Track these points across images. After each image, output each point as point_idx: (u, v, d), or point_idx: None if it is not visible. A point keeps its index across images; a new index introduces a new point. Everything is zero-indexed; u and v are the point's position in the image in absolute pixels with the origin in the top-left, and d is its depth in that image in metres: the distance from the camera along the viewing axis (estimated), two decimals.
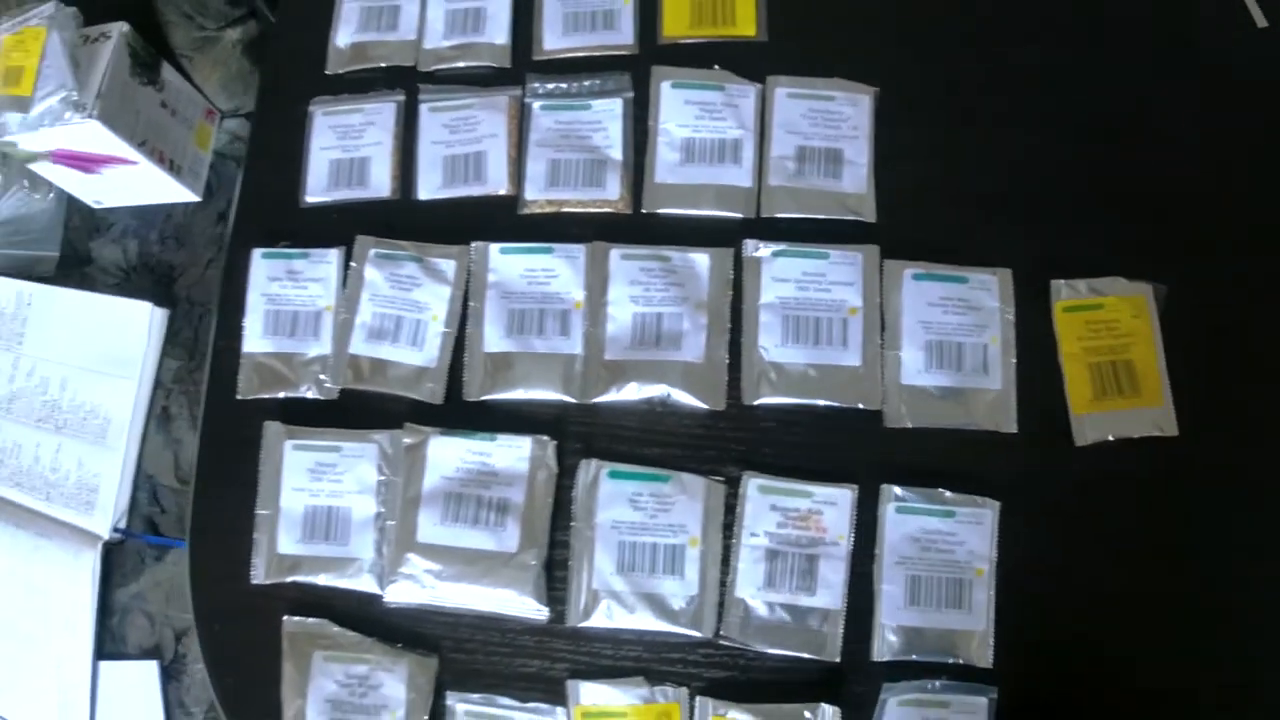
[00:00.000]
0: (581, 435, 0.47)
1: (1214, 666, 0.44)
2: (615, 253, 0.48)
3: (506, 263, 0.49)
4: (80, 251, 0.75)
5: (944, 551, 0.45)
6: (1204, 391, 0.46)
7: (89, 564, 0.63)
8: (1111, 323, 0.48)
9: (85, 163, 0.68)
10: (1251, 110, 0.51)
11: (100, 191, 0.73)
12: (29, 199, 0.77)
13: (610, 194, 0.49)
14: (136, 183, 0.70)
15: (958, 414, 0.46)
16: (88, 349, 0.69)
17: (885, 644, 0.45)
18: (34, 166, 0.68)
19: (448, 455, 0.47)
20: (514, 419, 0.48)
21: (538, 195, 0.50)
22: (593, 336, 0.48)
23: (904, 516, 0.46)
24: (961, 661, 0.44)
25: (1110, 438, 0.46)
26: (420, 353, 0.49)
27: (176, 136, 0.70)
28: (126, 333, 0.68)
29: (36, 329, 0.70)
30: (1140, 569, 0.45)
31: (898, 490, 0.46)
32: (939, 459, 0.46)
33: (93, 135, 0.62)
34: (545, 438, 0.47)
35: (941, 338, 0.47)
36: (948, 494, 0.45)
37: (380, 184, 0.52)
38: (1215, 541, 0.45)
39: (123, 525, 0.66)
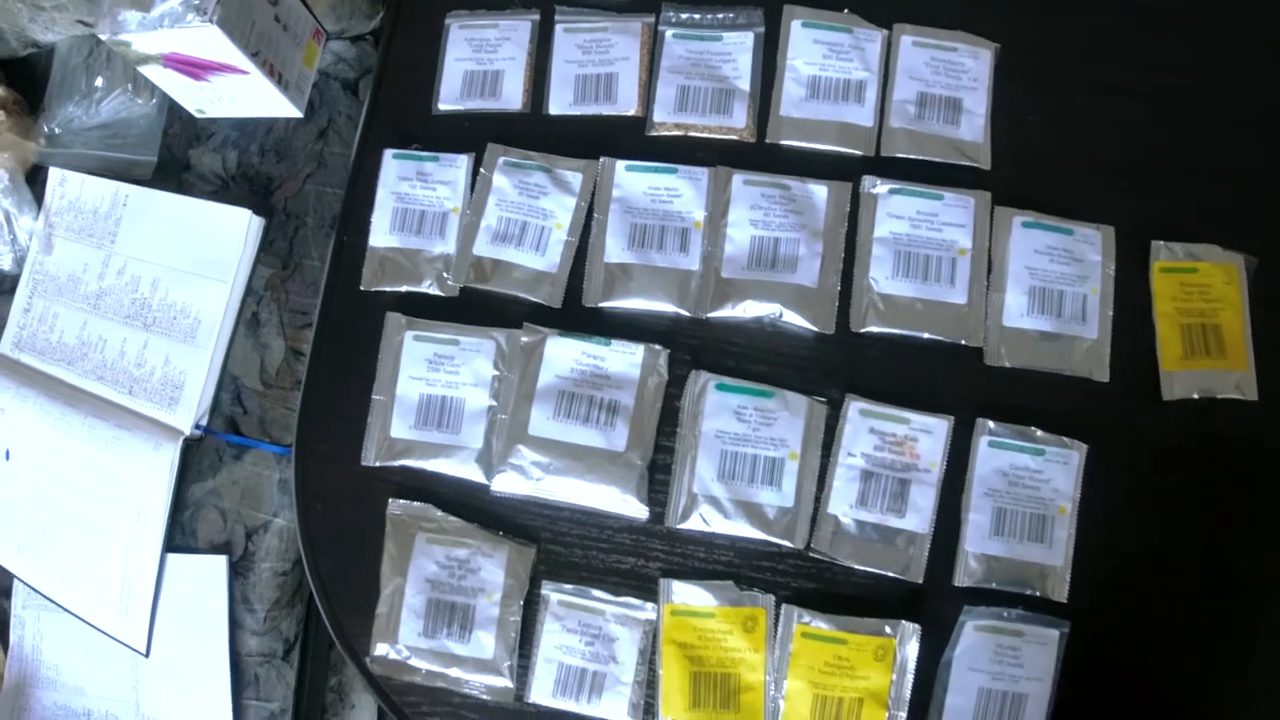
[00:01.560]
0: (691, 347, 0.50)
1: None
2: (738, 178, 0.50)
3: (632, 179, 0.51)
4: (178, 158, 0.77)
5: (1030, 488, 0.47)
6: None
7: (168, 457, 0.64)
8: (1204, 287, 0.49)
9: (196, 69, 0.69)
10: None
11: (205, 100, 0.74)
12: (131, 103, 0.78)
13: (736, 122, 0.51)
14: (243, 93, 0.71)
15: (1054, 358, 0.48)
16: (182, 251, 0.70)
17: (967, 569, 0.47)
18: (143, 69, 0.69)
19: (563, 356, 0.49)
20: (628, 327, 0.50)
21: (666, 118, 0.52)
22: (711, 255, 0.50)
23: (995, 451, 0.47)
24: (1038, 594, 0.46)
25: (1195, 395, 0.48)
26: (542, 258, 0.51)
27: (286, 51, 0.71)
28: (222, 237, 0.69)
29: (130, 229, 0.72)
30: (1212, 527, 0.47)
31: (991, 425, 0.47)
32: (1032, 399, 0.48)
33: (210, 40, 0.62)
34: (658, 346, 0.49)
35: (1045, 284, 0.49)
36: (1039, 433, 0.47)
37: (512, 97, 0.54)
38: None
39: (204, 423, 0.67)
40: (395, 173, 0.53)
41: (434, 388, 0.50)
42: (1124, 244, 0.50)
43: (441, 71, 0.55)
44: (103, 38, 0.63)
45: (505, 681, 0.47)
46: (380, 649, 0.49)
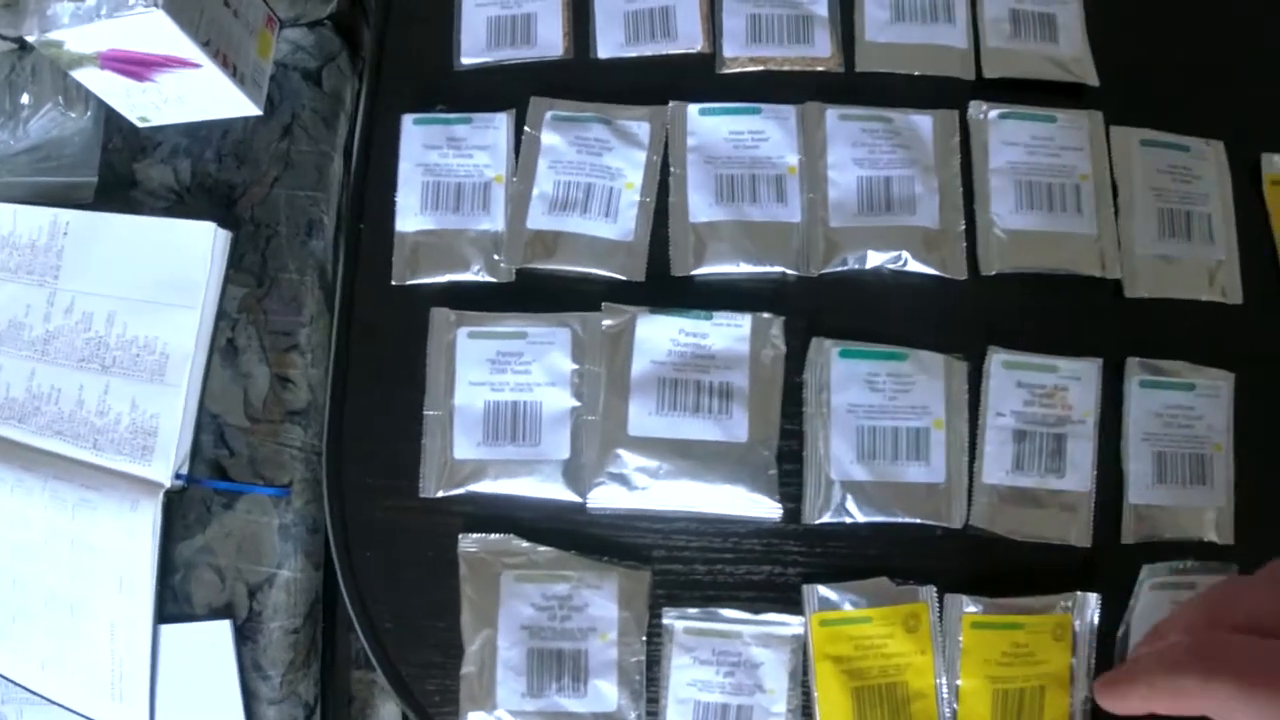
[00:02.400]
0: (806, 311, 0.43)
1: None
2: (832, 113, 0.44)
3: (708, 125, 0.44)
4: (122, 175, 0.67)
5: (1185, 426, 0.43)
6: None
7: (148, 515, 0.56)
8: None
9: (139, 67, 0.60)
10: None
11: (149, 106, 0.64)
12: (63, 119, 0.68)
13: (820, 51, 0.45)
14: (193, 92, 0.62)
15: (1189, 284, 0.44)
16: (139, 278, 0.61)
17: (1134, 525, 0.42)
18: (78, 74, 0.59)
19: (657, 337, 0.41)
20: (729, 295, 0.43)
21: (738, 52, 0.45)
22: (813, 203, 0.43)
23: (1147, 391, 0.43)
24: (1204, 539, 0.43)
25: None
26: (614, 224, 0.43)
27: (239, 41, 0.62)
28: (185, 257, 0.60)
29: (75, 260, 0.63)
30: None
31: (1140, 363, 0.43)
32: (1173, 331, 0.44)
33: (155, 29, 0.54)
34: (768, 315, 0.42)
35: (1171, 206, 0.45)
36: (1186, 367, 0.44)
37: (550, 42, 0.46)
38: None
39: (185, 471, 0.58)
40: (419, 141, 0.44)
41: (501, 393, 0.42)
42: (1234, 158, 0.47)
43: (460, 20, 0.46)
44: (29, 39, 0.54)
45: None
46: (474, 718, 0.40)
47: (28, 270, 0.63)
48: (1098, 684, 0.27)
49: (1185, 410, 0.43)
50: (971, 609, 0.41)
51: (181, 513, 0.58)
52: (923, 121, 0.44)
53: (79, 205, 0.65)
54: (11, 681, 0.60)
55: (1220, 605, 0.26)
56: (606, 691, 0.40)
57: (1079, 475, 0.42)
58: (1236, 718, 0.22)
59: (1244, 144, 0.47)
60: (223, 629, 0.58)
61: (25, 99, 0.68)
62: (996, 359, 0.42)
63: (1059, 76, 0.46)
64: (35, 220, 0.64)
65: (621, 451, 0.41)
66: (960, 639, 0.40)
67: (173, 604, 0.58)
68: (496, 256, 0.43)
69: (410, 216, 0.44)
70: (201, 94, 0.61)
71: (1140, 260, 0.44)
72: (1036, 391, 0.42)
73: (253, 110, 0.64)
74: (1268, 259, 0.46)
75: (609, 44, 0.46)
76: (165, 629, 0.57)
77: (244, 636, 0.58)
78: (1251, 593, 0.26)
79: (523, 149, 0.44)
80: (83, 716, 0.58)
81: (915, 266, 0.43)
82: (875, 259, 0.43)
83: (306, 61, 0.68)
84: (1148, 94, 0.47)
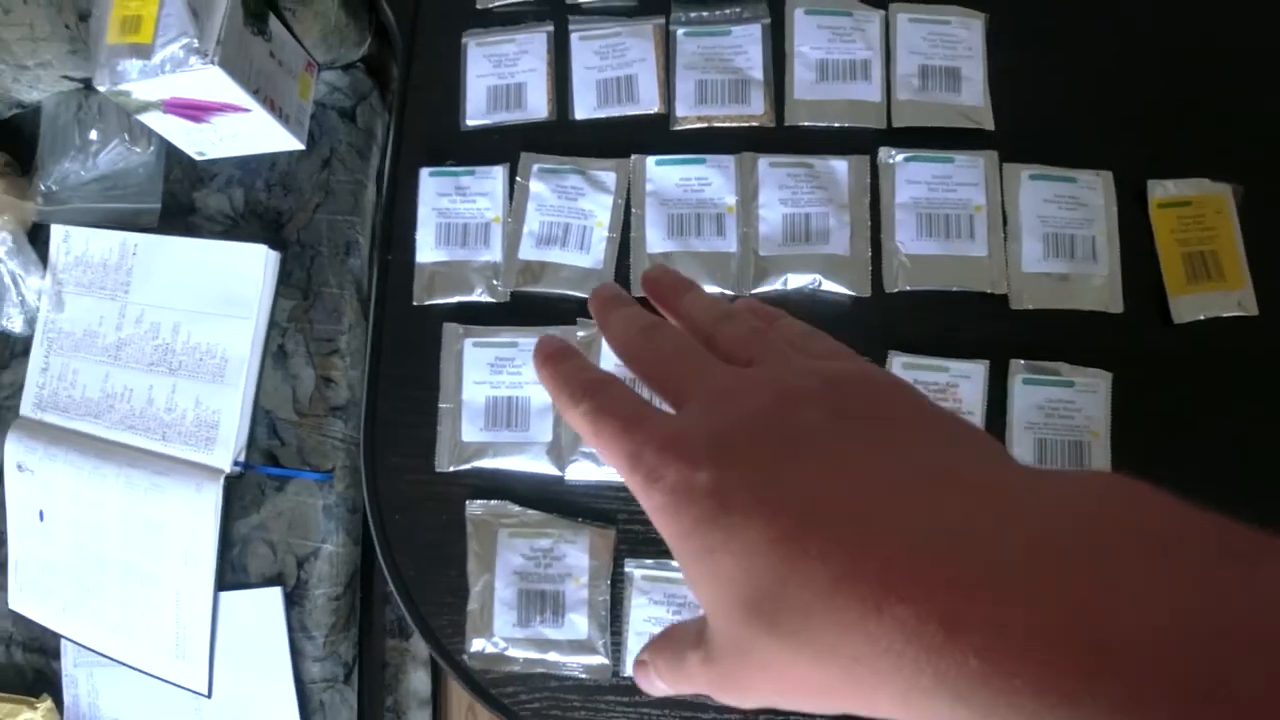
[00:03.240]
0: None
1: None
2: (763, 161, 0.53)
3: (663, 173, 0.54)
4: (183, 202, 0.77)
5: (1065, 417, 0.51)
6: (1276, 277, 0.52)
7: (211, 497, 0.65)
8: (1198, 217, 0.54)
9: (197, 111, 0.70)
10: None
11: (205, 142, 0.75)
12: (128, 153, 0.78)
13: (755, 110, 0.54)
14: (245, 132, 0.72)
15: (1072, 297, 0.52)
16: (200, 293, 0.70)
17: None
18: (144, 117, 0.69)
19: None
20: None
21: (688, 112, 0.55)
22: (747, 235, 0.53)
23: (1029, 388, 0.51)
24: None
25: (1202, 316, 0.52)
26: (587, 255, 0.53)
27: (283, 86, 0.72)
28: (240, 275, 0.70)
29: (143, 277, 0.72)
30: (1235, 434, 0.51)
31: (1023, 364, 0.51)
32: (1057, 337, 0.52)
33: (212, 82, 0.63)
34: None
35: (1056, 230, 0.52)
36: (1066, 367, 0.51)
37: (537, 107, 0.56)
38: None
39: (243, 459, 0.68)
40: (434, 189, 0.55)
41: (499, 389, 0.52)
42: (1122, 186, 0.54)
43: (465, 89, 0.57)
44: (101, 89, 0.63)
45: (602, 659, 0.50)
46: (476, 644, 0.51)
47: (101, 286, 0.73)
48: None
49: (1066, 404, 0.51)
50: None
51: (239, 495, 0.68)
52: (839, 166, 0.53)
53: (145, 229, 0.74)
54: (84, 647, 0.68)
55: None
56: (579, 623, 0.50)
57: None
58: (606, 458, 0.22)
59: (1134, 174, 0.54)
60: (274, 595, 0.66)
61: (93, 135, 0.77)
62: (896, 361, 0.51)
63: (960, 123, 0.54)
64: (107, 242, 0.73)
65: None
66: None
67: (231, 574, 0.67)
68: (495, 282, 0.54)
69: (427, 250, 0.55)
70: (251, 132, 0.71)
71: (1026, 277, 0.52)
72: (930, 388, 0.51)
73: (296, 145, 0.74)
74: (1151, 274, 0.53)
75: (584, 107, 0.56)
76: (224, 595, 0.66)
77: (292, 602, 0.67)
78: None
79: (515, 195, 0.55)
80: (149, 674, 0.66)
81: (829, 286, 0.52)
82: (796, 281, 0.52)
83: (342, 101, 0.78)
84: (1042, 135, 0.54)
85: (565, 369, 0.23)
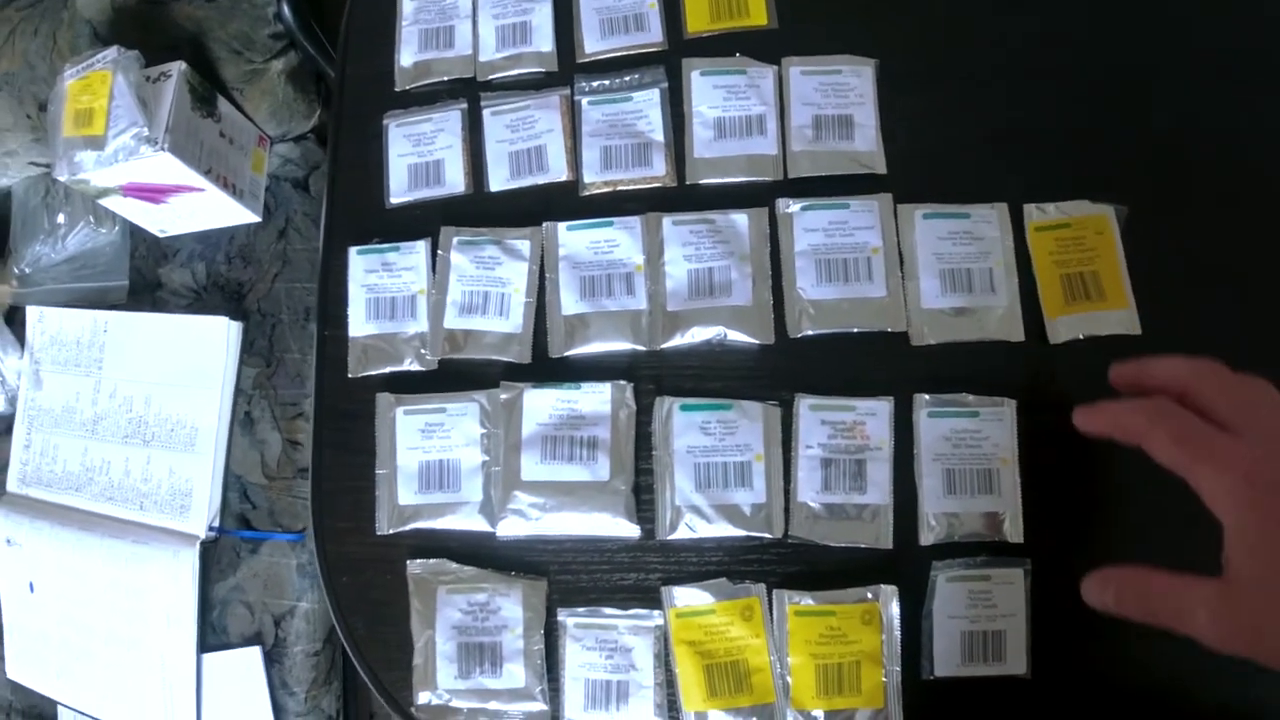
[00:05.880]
0: (653, 377, 0.55)
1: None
2: (667, 220, 0.56)
3: (574, 238, 0.56)
4: (149, 278, 0.81)
5: (972, 446, 0.53)
6: (1163, 297, 0.53)
7: (189, 561, 0.68)
8: (1078, 239, 0.55)
9: (154, 193, 0.74)
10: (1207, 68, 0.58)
11: (165, 220, 0.79)
12: (95, 234, 0.82)
13: (657, 171, 0.57)
14: (202, 209, 0.76)
15: (972, 329, 0.54)
16: (169, 366, 0.74)
17: (930, 529, 0.52)
18: (104, 201, 0.73)
19: (540, 405, 0.54)
20: (593, 369, 0.55)
21: (595, 178, 0.57)
22: (655, 293, 0.55)
23: (935, 420, 0.53)
24: (997, 539, 0.51)
25: (1080, 336, 0.53)
26: (507, 321, 0.56)
27: (235, 162, 0.76)
28: (205, 347, 0.73)
29: (115, 353, 0.76)
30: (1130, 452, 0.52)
31: (927, 398, 0.53)
32: (960, 368, 0.54)
33: (164, 166, 0.67)
34: (623, 382, 0.54)
35: (953, 266, 0.54)
36: (970, 397, 0.53)
37: (455, 181, 0.59)
38: None
39: (217, 524, 0.71)
40: (362, 267, 0.59)
41: (430, 454, 0.55)
42: (1017, 216, 0.56)
43: (387, 168, 0.60)
44: (61, 179, 0.67)
45: (540, 705, 0.52)
46: (423, 697, 0.53)
47: (76, 363, 0.77)
48: (1076, 410, 0.38)
49: (972, 433, 0.53)
50: (794, 600, 0.52)
51: (215, 558, 0.71)
52: (740, 219, 0.55)
53: (114, 306, 0.78)
54: (79, 712, 0.71)
55: (1196, 375, 0.36)
56: (516, 673, 0.53)
57: (879, 491, 0.52)
58: (1158, 456, 0.34)
59: (1020, 203, 0.55)
60: (254, 654, 0.69)
61: (61, 218, 0.81)
62: (804, 403, 0.53)
63: (853, 169, 0.56)
64: (79, 321, 0.77)
65: (518, 493, 0.54)
66: (786, 625, 0.51)
67: (212, 635, 0.70)
68: (423, 351, 0.57)
69: (359, 324, 0.58)
70: (208, 209, 0.75)
71: (925, 314, 0.54)
72: (838, 427, 0.53)
73: (252, 218, 0.78)
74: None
75: (498, 179, 0.59)
76: (206, 657, 0.68)
77: (272, 660, 0.70)
78: (1208, 381, 0.35)
79: (438, 268, 0.58)
80: None
81: (734, 336, 0.54)
82: (702, 334, 0.54)
83: (295, 171, 0.82)
84: (935, 173, 0.56)
85: (1122, 403, 0.36)
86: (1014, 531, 0.52)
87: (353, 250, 0.59)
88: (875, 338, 0.54)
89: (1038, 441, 0.53)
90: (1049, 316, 0.54)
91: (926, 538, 0.52)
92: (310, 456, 0.58)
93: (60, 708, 0.75)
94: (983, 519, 0.52)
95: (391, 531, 0.55)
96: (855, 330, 0.54)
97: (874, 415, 0.53)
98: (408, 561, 0.55)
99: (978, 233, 0.55)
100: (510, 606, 0.53)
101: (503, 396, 0.55)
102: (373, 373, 0.58)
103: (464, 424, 0.55)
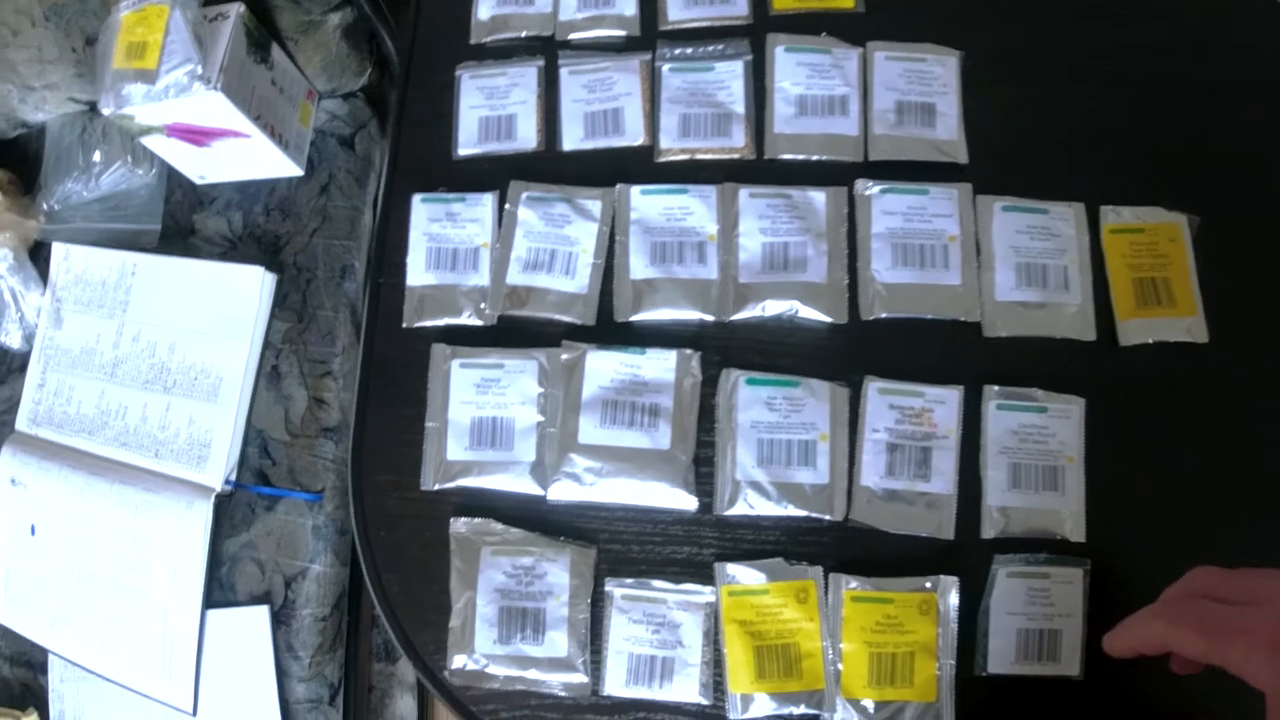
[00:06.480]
0: (720, 348, 0.54)
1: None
2: (744, 192, 0.55)
3: (647, 202, 0.55)
4: (183, 224, 0.79)
5: (1039, 442, 0.52)
6: (1230, 308, 0.53)
7: (201, 514, 0.66)
8: (1151, 244, 0.55)
9: (199, 136, 0.72)
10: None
11: (206, 166, 0.77)
12: (131, 175, 0.80)
13: (736, 142, 0.56)
14: (245, 156, 0.74)
15: (1045, 324, 0.53)
16: (197, 313, 0.72)
17: (992, 522, 0.51)
18: (147, 140, 0.71)
19: (603, 368, 0.53)
20: (659, 336, 0.54)
21: (672, 144, 0.57)
22: (727, 263, 0.54)
23: (1003, 413, 0.52)
24: (1059, 537, 0.51)
25: (1150, 340, 0.53)
26: (572, 280, 0.55)
27: (284, 113, 0.74)
28: (237, 296, 0.71)
29: (141, 296, 0.73)
30: (1197, 454, 0.52)
31: (996, 389, 0.52)
32: (1029, 363, 0.53)
33: (214, 107, 0.66)
34: (689, 350, 0.53)
35: (1029, 260, 0.54)
36: (1039, 393, 0.53)
37: (527, 137, 0.58)
38: (1244, 429, 0.52)
39: (234, 478, 0.69)
40: (426, 215, 0.57)
41: (484, 410, 0.54)
42: (1094, 217, 0.55)
43: (458, 119, 0.59)
44: (105, 112, 0.65)
45: (581, 677, 0.50)
46: (458, 661, 0.51)
47: (99, 304, 0.74)
48: (1104, 639, 0.37)
49: (1039, 429, 0.52)
50: (851, 585, 0.51)
51: (229, 513, 0.69)
52: (817, 197, 0.55)
53: (144, 250, 0.76)
54: (71, 662, 0.68)
55: (1190, 582, 0.36)
56: (559, 641, 0.51)
57: (943, 480, 0.52)
58: (1189, 651, 0.33)
59: (1097, 204, 0.55)
60: (261, 614, 0.67)
61: (97, 156, 0.79)
62: (872, 386, 0.53)
63: (934, 157, 0.56)
64: (107, 262, 0.74)
65: (574, 455, 0.52)
66: (842, 610, 0.50)
67: (219, 592, 0.67)
68: (483, 305, 0.56)
69: (418, 273, 0.57)
70: (252, 157, 0.73)
71: (999, 305, 0.54)
72: (906, 412, 0.52)
73: (295, 171, 0.77)
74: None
75: (572, 138, 0.58)
76: (211, 613, 0.66)
77: (279, 621, 0.67)
78: (1209, 576, 0.36)
79: (504, 222, 0.57)
80: (135, 690, 0.66)
81: (805, 313, 0.53)
82: (774, 308, 0.53)
83: (341, 129, 0.80)
84: (1016, 168, 0.56)
85: (1138, 615, 0.36)
86: (1075, 530, 0.51)
87: (416, 198, 0.58)
88: (947, 326, 0.54)
89: (1103, 442, 0.52)
90: (1120, 318, 0.54)
91: (988, 531, 0.51)
92: (352, 404, 0.57)
93: (51, 656, 0.72)
94: (1046, 515, 0.51)
95: (437, 488, 0.54)
96: (928, 317, 0.53)
97: (942, 403, 0.52)
98: (451, 520, 0.53)
99: (1055, 229, 0.55)
100: (557, 572, 0.52)
101: (564, 356, 0.54)
102: (428, 323, 0.56)
103: (521, 381, 0.54)
